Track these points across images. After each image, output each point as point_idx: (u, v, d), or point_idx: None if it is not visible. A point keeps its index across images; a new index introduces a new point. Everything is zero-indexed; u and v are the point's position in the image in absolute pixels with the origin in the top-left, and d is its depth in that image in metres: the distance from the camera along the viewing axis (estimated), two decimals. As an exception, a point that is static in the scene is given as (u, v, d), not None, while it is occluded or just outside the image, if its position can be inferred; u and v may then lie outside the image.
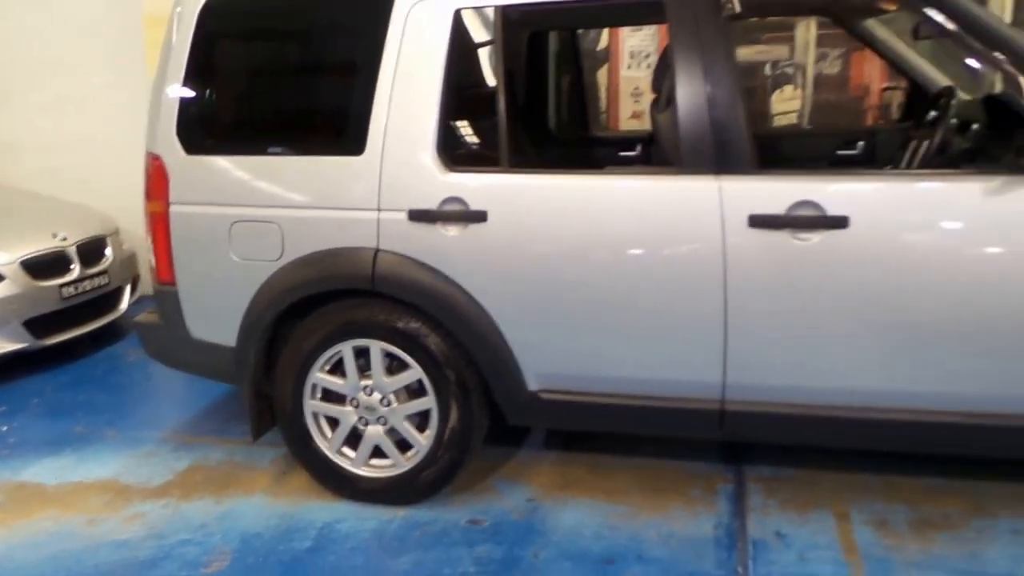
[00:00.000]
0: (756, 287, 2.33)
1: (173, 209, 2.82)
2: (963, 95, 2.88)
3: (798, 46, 4.59)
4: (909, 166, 2.83)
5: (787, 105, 4.61)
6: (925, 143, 2.65)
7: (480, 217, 2.50)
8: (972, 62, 2.39)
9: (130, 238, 5.02)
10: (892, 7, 2.51)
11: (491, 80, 2.53)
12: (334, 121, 2.70)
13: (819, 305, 2.31)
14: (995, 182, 2.17)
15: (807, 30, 4.51)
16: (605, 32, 4.80)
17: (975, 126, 2.47)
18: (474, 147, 2.77)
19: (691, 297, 2.38)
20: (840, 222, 2.24)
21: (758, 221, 2.29)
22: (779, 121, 4.62)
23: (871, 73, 4.41)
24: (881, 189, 2.27)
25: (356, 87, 2.60)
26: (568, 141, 3.78)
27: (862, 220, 2.24)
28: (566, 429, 3.17)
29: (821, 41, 4.52)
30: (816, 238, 2.27)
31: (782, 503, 2.71)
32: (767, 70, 4.62)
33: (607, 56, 4.89)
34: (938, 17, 2.26)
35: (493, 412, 2.73)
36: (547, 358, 2.57)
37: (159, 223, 2.84)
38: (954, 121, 2.67)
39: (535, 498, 2.83)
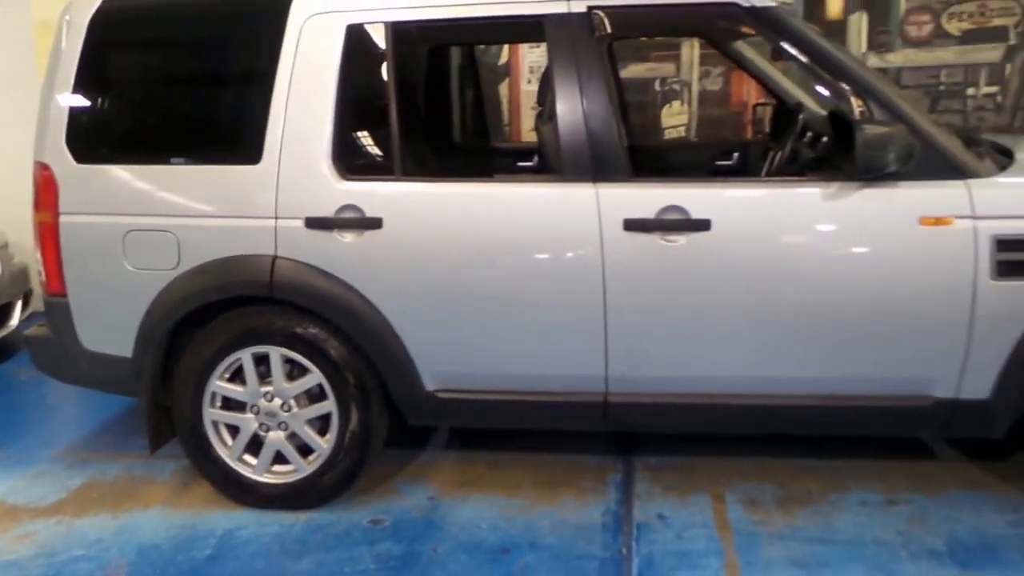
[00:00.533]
0: (632, 286, 2.53)
1: (63, 219, 2.83)
2: (820, 111, 3.19)
3: (684, 64, 4.93)
4: (766, 174, 3.11)
5: (676, 119, 4.94)
6: (779, 153, 2.93)
7: (375, 224, 2.62)
8: (818, 84, 2.67)
9: (21, 251, 4.88)
10: (752, 33, 2.77)
11: (387, 92, 2.66)
12: (230, 130, 2.78)
13: (689, 301, 2.53)
14: (832, 188, 2.44)
15: (691, 49, 4.86)
16: (506, 48, 5.03)
17: (824, 138, 2.76)
18: (369, 156, 2.89)
19: (573, 296, 2.56)
20: (703, 225, 2.47)
21: (632, 224, 2.50)
22: (670, 133, 4.94)
23: (749, 90, 4.77)
24: (739, 195, 2.51)
25: (252, 97, 2.69)
26: (470, 151, 3.96)
27: (723, 223, 2.47)
28: (463, 426, 3.30)
29: (704, 60, 4.88)
30: (683, 240, 2.48)
31: (665, 489, 2.91)
32: (657, 86, 4.94)
33: (508, 71, 5.12)
34: (786, 46, 2.55)
35: (393, 413, 2.84)
36: (442, 358, 2.70)
37: (48, 233, 2.84)
38: (809, 133, 2.95)
39: (435, 496, 2.94)
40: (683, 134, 4.92)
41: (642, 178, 2.56)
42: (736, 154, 3.88)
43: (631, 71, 4.93)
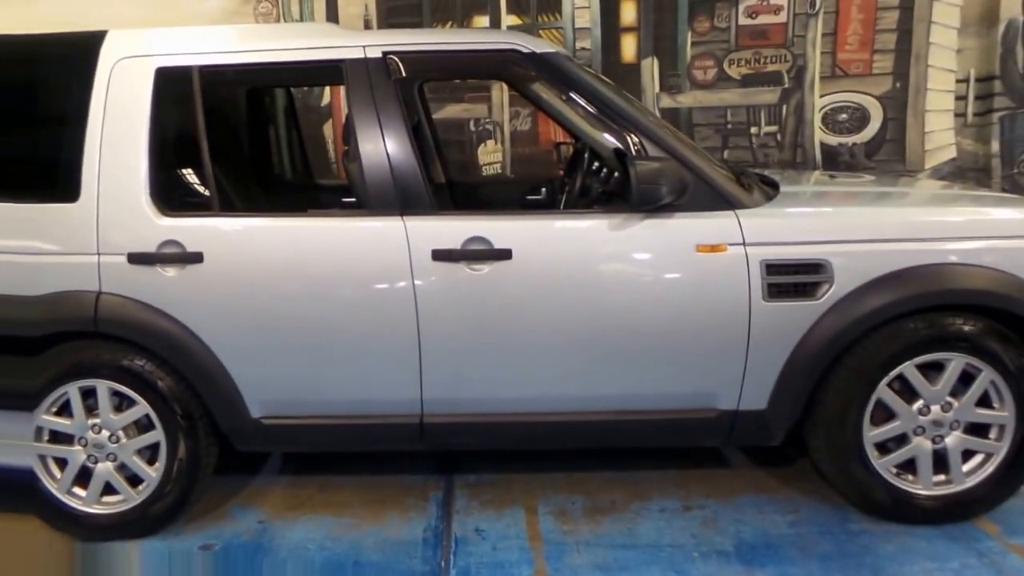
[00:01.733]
0: (442, 313, 2.70)
1: None
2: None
3: (495, 105, 5.20)
4: (563, 207, 3.34)
5: (490, 157, 5.22)
6: (573, 188, 3.17)
7: (196, 258, 2.71)
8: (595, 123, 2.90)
9: None
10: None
11: (199, 131, 2.76)
12: (47, 170, 2.82)
13: (495, 327, 2.71)
14: (618, 219, 2.66)
15: (501, 91, 5.12)
16: (327, 90, 5.21)
17: (616, 173, 3.00)
18: (188, 193, 2.99)
19: (388, 324, 2.71)
20: (505, 254, 2.65)
21: (439, 255, 2.66)
22: (486, 170, 5.20)
23: (555, 130, 5.06)
24: (537, 225, 2.71)
25: (66, 137, 2.75)
26: (291, 188, 4.08)
27: (523, 252, 2.66)
28: (290, 451, 3.39)
29: (512, 101, 5.16)
30: (487, 268, 2.66)
31: (483, 504, 3.06)
32: (471, 126, 5.20)
33: (331, 111, 5.30)
34: (570, 93, 2.84)
35: (223, 441, 2.92)
36: (266, 387, 2.80)
37: None
38: (604, 170, 3.18)
39: (266, 519, 3.02)
40: (499, 171, 5.18)
41: (447, 211, 2.74)
42: (544, 189, 4.13)
43: (448, 111, 5.16)
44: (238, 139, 3.69)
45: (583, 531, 2.86)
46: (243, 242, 2.73)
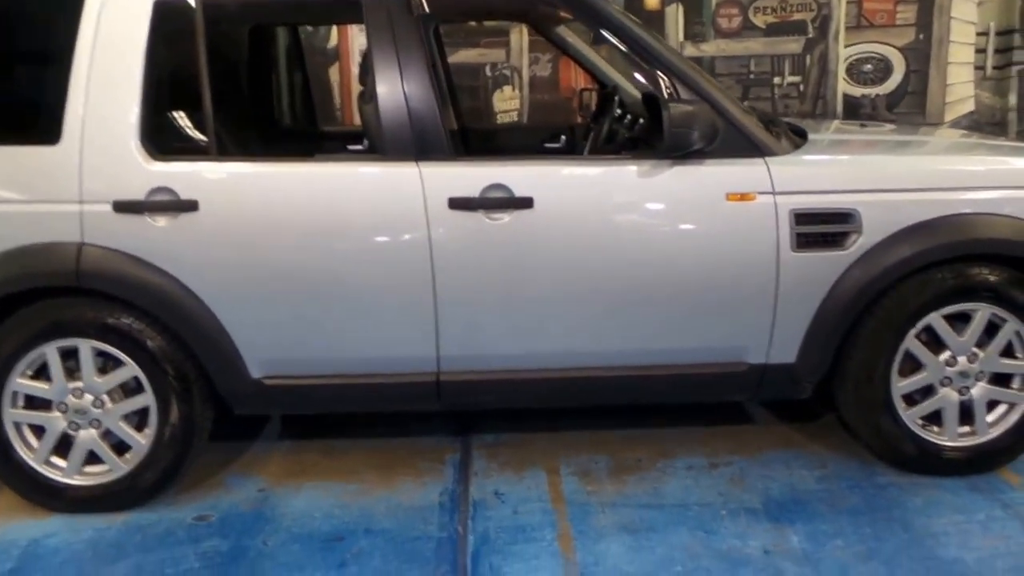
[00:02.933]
0: (459, 264, 2.54)
1: None
2: (636, 93, 3.31)
3: (513, 50, 5.00)
4: (588, 153, 3.20)
5: (507, 104, 5.01)
6: (598, 134, 3.02)
7: (191, 206, 2.50)
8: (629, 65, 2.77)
9: None
10: (570, 17, 2.84)
11: (200, 71, 2.54)
12: (22, 107, 2.57)
13: (515, 278, 2.56)
14: (646, 165, 2.53)
15: (520, 35, 4.93)
16: (335, 30, 4.93)
17: (641, 119, 2.87)
18: (183, 136, 2.77)
19: (401, 276, 2.54)
20: (526, 202, 2.50)
21: (456, 203, 2.50)
22: (502, 118, 5.01)
23: (576, 76, 4.90)
24: (560, 172, 2.57)
25: (48, 73, 2.51)
26: (295, 133, 3.84)
27: (545, 200, 2.51)
28: (294, 413, 3.20)
29: (532, 46, 4.96)
30: (507, 217, 2.51)
31: (502, 465, 2.93)
32: (488, 71, 4.98)
33: (338, 54, 5.02)
34: (599, 29, 2.64)
35: (219, 403, 2.72)
36: (268, 345, 2.61)
37: None
38: (628, 116, 3.06)
39: (267, 487, 2.84)
40: (515, 118, 4.99)
41: (465, 157, 2.57)
42: (563, 136, 3.97)
43: (462, 56, 4.95)
44: (239, 81, 3.43)
45: (608, 491, 2.75)
46: (243, 189, 2.52)
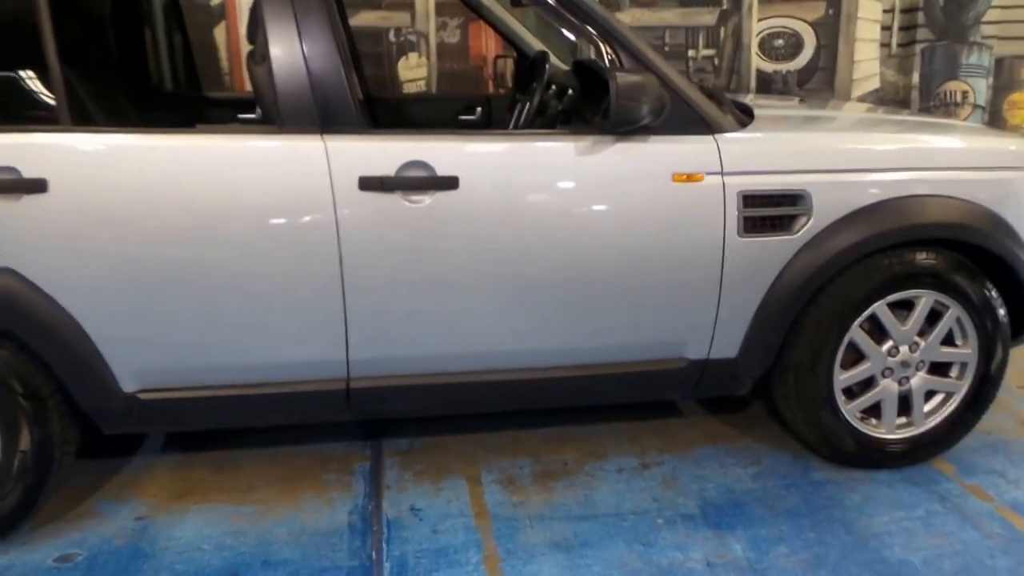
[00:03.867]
0: (371, 254, 2.20)
1: None
2: (559, 63, 3.01)
3: (419, 14, 4.55)
4: (515, 128, 2.88)
5: (414, 72, 4.56)
6: (526, 106, 2.71)
7: (37, 187, 2.04)
8: (565, 31, 2.46)
9: None
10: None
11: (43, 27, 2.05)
12: None
13: (436, 270, 2.24)
14: (585, 141, 2.25)
15: None
16: None
17: (570, 91, 2.57)
18: (24, 103, 2.27)
19: (302, 269, 2.18)
20: (450, 182, 2.18)
21: (369, 183, 2.14)
22: (408, 88, 4.56)
23: (488, 43, 4.53)
24: (488, 149, 2.25)
25: None
26: (175, 101, 3.32)
27: (471, 180, 2.20)
28: (176, 431, 2.77)
29: (440, 9, 4.52)
30: (428, 199, 2.18)
31: (417, 475, 2.64)
32: (391, 37, 4.53)
33: (223, 12, 4.44)
34: None
35: (86, 422, 2.29)
36: (143, 352, 2.20)
37: None
38: (553, 86, 2.76)
39: (147, 515, 2.44)
40: (423, 88, 4.58)
41: (379, 131, 2.21)
42: (479, 109, 3.63)
43: (362, 19, 4.48)
44: (102, 39, 2.89)
45: (535, 501, 2.50)
46: (106, 166, 2.08)
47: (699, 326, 2.43)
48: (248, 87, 4.12)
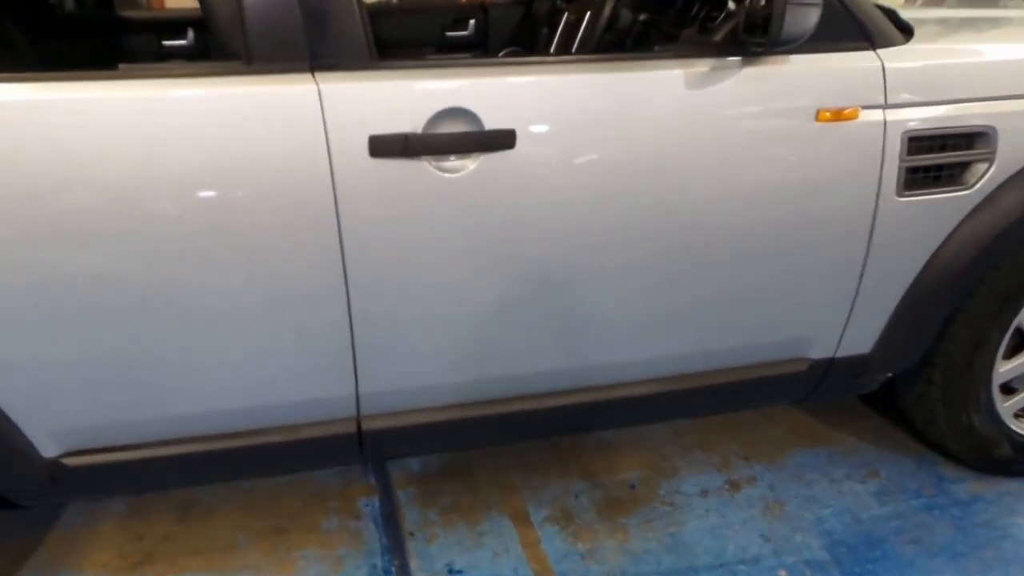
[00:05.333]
0: (388, 249, 1.50)
1: None
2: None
3: None
4: (558, 51, 2.11)
5: None
6: (588, 20, 1.94)
7: None
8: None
9: None
10: None
11: None
12: None
13: (484, 266, 1.56)
14: (700, 67, 1.54)
15: None
16: None
17: None
18: None
19: (289, 275, 1.48)
20: (504, 139, 1.47)
21: (383, 145, 1.43)
22: None
23: None
24: (556, 85, 1.52)
25: None
26: (82, 26, 2.47)
27: (534, 133, 1.49)
28: (122, 495, 2.06)
29: None
30: (471, 165, 1.47)
31: (444, 513, 2.01)
32: None
33: None
34: None
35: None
36: (66, 405, 1.50)
37: None
38: None
39: (91, 594, 1.80)
40: None
41: (394, 64, 1.48)
42: (472, 22, 2.83)
43: None
44: None
45: (609, 548, 1.90)
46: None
47: (830, 317, 1.81)
48: (173, 3, 3.23)
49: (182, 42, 2.36)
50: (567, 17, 2.05)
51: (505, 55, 2.73)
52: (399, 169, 1.44)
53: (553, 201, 1.53)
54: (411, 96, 1.43)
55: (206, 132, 1.36)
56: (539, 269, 1.58)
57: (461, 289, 1.56)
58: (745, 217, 1.63)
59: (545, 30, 2.42)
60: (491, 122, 1.46)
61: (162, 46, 2.38)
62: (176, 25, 2.45)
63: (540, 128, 1.49)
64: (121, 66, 1.41)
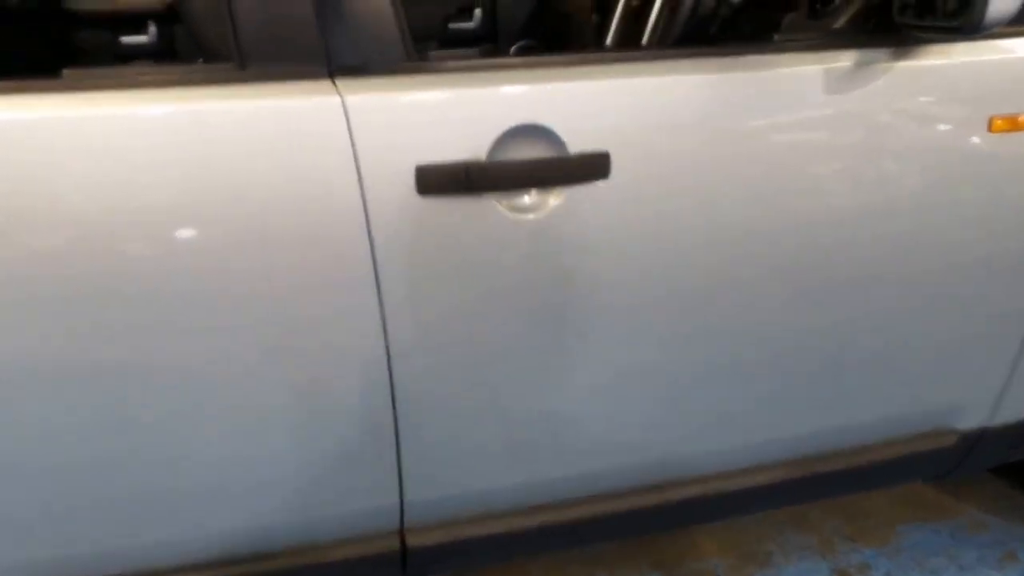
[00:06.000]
0: (442, 320, 1.11)
1: None
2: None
3: None
4: (615, 44, 1.70)
5: None
6: (663, 4, 1.54)
7: None
8: None
9: None
10: None
11: None
12: None
13: (563, 338, 1.17)
14: (845, 61, 1.17)
15: None
16: None
17: None
18: None
19: (309, 347, 1.09)
20: (597, 165, 1.09)
21: (437, 179, 1.04)
22: None
23: None
24: (661, 90, 1.13)
25: None
26: (21, 20, 2.04)
27: (634, 155, 1.11)
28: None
29: None
30: (553, 202, 1.09)
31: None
32: None
33: None
34: None
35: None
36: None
37: None
38: None
39: None
40: None
41: (442, 65, 1.09)
42: (478, 12, 2.42)
43: None
44: None
45: None
46: None
47: (989, 377, 1.44)
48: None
49: (141, 38, 1.96)
50: (625, 2, 1.66)
51: (518, 51, 2.34)
52: (458, 210, 1.06)
53: (660, 248, 1.15)
54: (471, 110, 1.05)
55: (181, 167, 0.97)
56: (641, 335, 1.20)
57: (537, 364, 1.18)
58: (902, 261, 1.26)
59: (576, 18, 2.03)
60: (577, 143, 1.08)
61: (120, 44, 1.97)
62: (136, 17, 2.04)
63: (643, 148, 1.11)
64: (66, 72, 1.02)
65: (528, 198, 1.08)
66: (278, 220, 1.00)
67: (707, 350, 1.24)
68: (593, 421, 1.25)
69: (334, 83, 1.02)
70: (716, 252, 1.17)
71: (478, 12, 2.40)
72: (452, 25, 2.38)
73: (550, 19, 2.37)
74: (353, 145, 1.01)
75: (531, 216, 1.08)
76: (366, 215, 1.03)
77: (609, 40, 1.70)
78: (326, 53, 1.02)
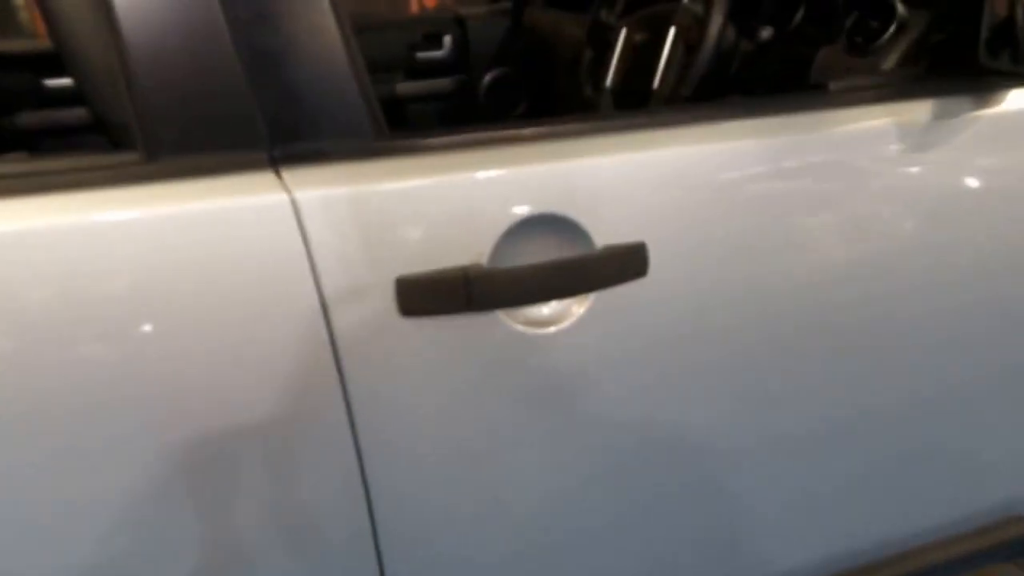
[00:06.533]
0: (434, 453, 0.84)
1: None
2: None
3: None
4: (658, 85, 1.43)
5: None
6: (675, 43, 1.26)
7: None
8: None
9: None
10: None
11: None
12: None
13: (590, 476, 0.92)
14: (920, 112, 0.95)
15: None
16: None
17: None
18: None
19: (272, 496, 0.81)
20: (632, 261, 0.83)
21: (425, 295, 0.77)
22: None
23: None
24: (704, 159, 0.88)
25: None
26: None
27: (676, 245, 0.86)
28: None
29: None
30: (578, 311, 0.83)
31: None
32: None
33: None
34: None
35: None
36: None
37: None
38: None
39: None
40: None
41: (421, 142, 0.82)
42: (447, 39, 2.15)
43: None
44: None
45: None
46: None
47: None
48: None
49: (67, 81, 1.62)
50: (627, 37, 1.39)
51: (492, 81, 2.08)
52: (455, 331, 0.79)
53: (711, 359, 0.90)
54: (465, 201, 0.78)
55: (106, 274, 0.68)
56: (682, 463, 0.95)
57: (554, 509, 0.92)
58: (983, 347, 1.05)
59: (565, 52, 1.77)
60: (604, 233, 0.82)
61: (43, 87, 1.63)
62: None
63: (687, 235, 0.86)
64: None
65: (547, 309, 0.82)
66: (201, 375, 0.72)
67: (760, 466, 1.01)
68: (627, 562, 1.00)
69: (278, 175, 0.74)
70: (781, 349, 0.93)
71: (448, 39, 2.13)
72: (420, 55, 2.10)
73: (527, 47, 2.12)
74: (310, 257, 0.73)
75: (550, 331, 0.82)
76: (334, 350, 0.75)
77: (609, 81, 1.45)
78: (267, 135, 0.74)
